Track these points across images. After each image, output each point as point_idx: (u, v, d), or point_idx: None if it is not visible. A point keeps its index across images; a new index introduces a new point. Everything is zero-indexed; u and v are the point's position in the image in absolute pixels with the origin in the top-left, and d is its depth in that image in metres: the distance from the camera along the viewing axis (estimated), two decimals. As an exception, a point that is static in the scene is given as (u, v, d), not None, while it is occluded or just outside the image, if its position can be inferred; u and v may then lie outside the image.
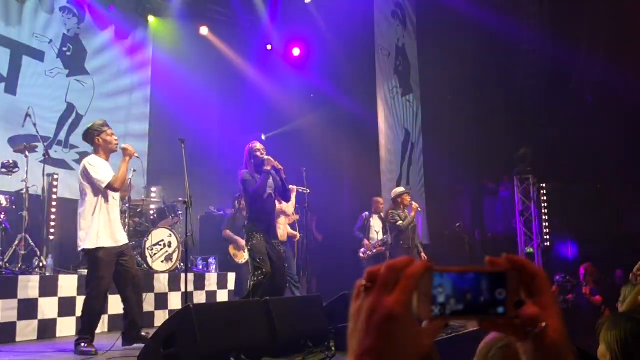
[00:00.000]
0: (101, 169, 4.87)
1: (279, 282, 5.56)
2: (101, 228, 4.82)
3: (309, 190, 7.45)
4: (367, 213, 8.65)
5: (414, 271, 0.61)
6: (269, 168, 5.53)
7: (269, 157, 5.57)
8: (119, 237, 4.99)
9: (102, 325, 6.05)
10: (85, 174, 4.86)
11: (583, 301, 7.41)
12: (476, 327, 0.66)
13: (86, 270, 6.37)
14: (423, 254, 7.80)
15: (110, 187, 4.85)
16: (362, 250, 8.34)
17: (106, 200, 4.90)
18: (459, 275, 0.62)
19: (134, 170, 7.58)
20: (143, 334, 4.92)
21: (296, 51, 11.82)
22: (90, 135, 5.09)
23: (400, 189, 8.20)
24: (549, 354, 0.62)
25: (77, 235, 4.95)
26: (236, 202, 9.00)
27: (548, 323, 0.61)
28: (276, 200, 7.11)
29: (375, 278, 0.62)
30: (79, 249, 4.94)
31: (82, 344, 4.64)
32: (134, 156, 5.08)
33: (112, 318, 6.22)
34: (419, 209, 7.99)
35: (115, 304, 6.28)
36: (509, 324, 0.62)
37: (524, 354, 0.64)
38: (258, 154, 5.61)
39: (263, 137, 10.87)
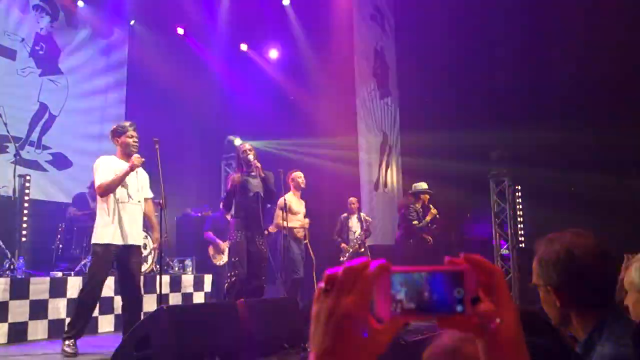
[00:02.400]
0: (103, 171, 4.85)
1: (258, 282, 5.54)
2: (106, 224, 4.81)
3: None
4: (345, 215, 8.62)
5: (370, 273, 0.63)
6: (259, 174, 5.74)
7: (254, 161, 5.72)
8: (126, 236, 4.90)
9: (109, 325, 6.02)
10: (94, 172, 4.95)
11: None
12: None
13: (59, 273, 6.32)
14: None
15: (97, 189, 4.85)
16: (342, 253, 8.31)
17: (115, 198, 4.87)
18: (417, 275, 0.63)
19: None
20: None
21: (273, 53, 11.82)
22: (113, 135, 5.11)
23: (423, 185, 8.26)
24: (504, 349, 0.64)
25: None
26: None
27: (503, 319, 0.63)
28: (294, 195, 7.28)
29: (334, 281, 0.64)
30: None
31: (65, 343, 4.63)
32: (135, 170, 5.00)
33: (118, 317, 6.14)
34: (437, 215, 8.04)
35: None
36: (467, 321, 0.63)
37: (482, 350, 0.65)
38: (243, 154, 5.80)
39: (231, 138, 10.82)
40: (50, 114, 8.62)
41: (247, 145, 5.83)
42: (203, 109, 10.95)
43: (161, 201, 5.39)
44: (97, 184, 4.85)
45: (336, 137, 11.11)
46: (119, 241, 4.84)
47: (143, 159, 5.04)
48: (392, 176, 12.69)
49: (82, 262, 6.71)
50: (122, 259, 4.91)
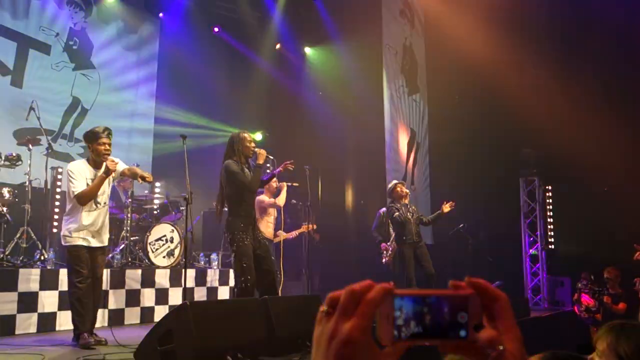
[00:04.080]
0: (78, 179, 4.86)
1: (271, 279, 5.26)
2: (76, 230, 4.86)
3: (297, 184, 7.37)
4: (383, 210, 8.32)
5: (373, 296, 0.61)
6: (262, 162, 5.28)
7: (262, 151, 5.30)
8: (95, 241, 4.99)
9: (103, 320, 6.07)
10: (67, 179, 4.94)
11: (606, 310, 7.01)
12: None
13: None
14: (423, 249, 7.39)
15: (76, 198, 4.84)
16: (384, 254, 8.05)
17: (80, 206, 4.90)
18: (421, 299, 0.62)
19: (138, 165, 7.60)
20: (94, 338, 4.87)
21: (308, 50, 11.82)
22: (85, 139, 5.09)
23: (393, 182, 7.96)
24: None
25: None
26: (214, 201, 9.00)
27: (506, 347, 0.61)
28: (266, 196, 7.07)
29: (336, 303, 0.62)
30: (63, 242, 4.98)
31: (81, 337, 4.73)
32: (111, 174, 5.02)
33: (112, 313, 6.24)
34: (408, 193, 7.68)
35: (116, 299, 6.32)
36: (469, 347, 0.62)
37: None
38: (247, 144, 5.28)
39: (259, 137, 10.83)
40: (82, 107, 8.77)
41: (248, 136, 5.37)
42: (233, 103, 11.00)
43: (187, 196, 5.44)
44: (74, 192, 4.83)
45: (364, 132, 11.07)
46: (88, 244, 4.92)
47: (117, 162, 5.02)
48: (420, 173, 12.59)
49: (110, 255, 6.82)
50: (91, 259, 4.96)
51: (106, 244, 5.23)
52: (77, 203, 4.86)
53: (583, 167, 9.81)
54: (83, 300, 4.81)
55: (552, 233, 10.38)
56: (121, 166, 5.16)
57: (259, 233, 5.35)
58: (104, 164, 4.94)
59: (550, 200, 10.39)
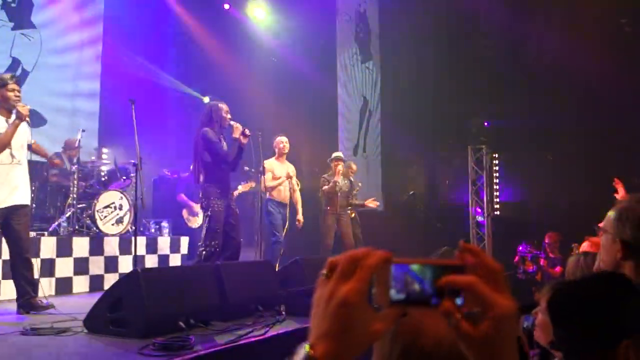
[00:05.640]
0: None
1: (237, 244, 5.50)
2: None
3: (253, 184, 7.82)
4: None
5: (371, 262, 0.65)
6: (236, 136, 5.39)
7: (237, 124, 5.43)
8: (9, 198, 4.59)
9: (50, 289, 5.94)
10: None
11: (543, 273, 7.47)
12: None
13: (33, 233, 6.23)
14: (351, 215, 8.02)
15: None
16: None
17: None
18: (418, 267, 0.64)
19: (84, 130, 7.37)
20: (38, 301, 4.70)
21: (258, 13, 11.55)
22: None
23: (337, 154, 8.25)
24: (486, 347, 0.64)
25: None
26: (191, 166, 8.87)
27: (497, 316, 0.64)
28: (276, 160, 7.28)
29: (335, 268, 0.66)
30: None
31: None
32: (25, 120, 4.63)
33: (59, 281, 6.11)
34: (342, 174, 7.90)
35: (63, 267, 6.17)
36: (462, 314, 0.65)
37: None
38: (224, 114, 5.46)
39: (206, 100, 10.67)
40: (23, 69, 8.37)
41: (225, 107, 5.55)
42: (183, 69, 10.74)
43: (136, 162, 5.32)
44: None
45: (316, 101, 11.03)
46: (4, 203, 4.57)
47: (29, 107, 4.68)
48: (371, 140, 12.69)
49: (56, 222, 6.64)
50: (7, 220, 4.62)
51: (28, 202, 4.86)
52: None
53: (529, 135, 10.11)
54: None
55: (497, 200, 10.71)
56: (28, 133, 4.84)
57: (233, 202, 5.54)
58: (16, 111, 4.59)
59: (497, 168, 10.69)
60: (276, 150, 7.45)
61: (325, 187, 7.85)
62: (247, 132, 5.49)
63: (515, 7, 10.50)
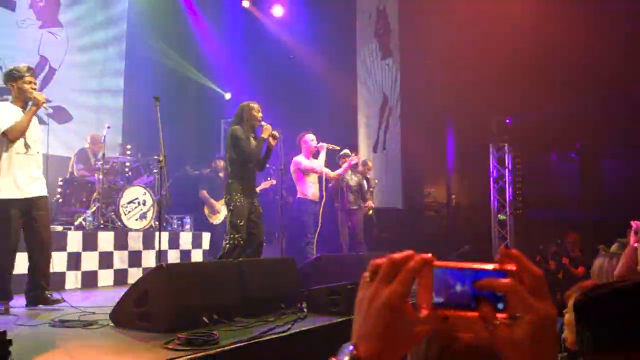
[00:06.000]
0: (2, 116, 4.54)
1: (259, 242, 5.55)
2: (8, 180, 4.55)
3: (338, 147, 7.49)
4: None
5: (412, 265, 0.66)
6: (266, 136, 5.50)
7: (267, 125, 5.53)
8: (28, 189, 4.65)
9: (76, 282, 6.05)
10: None
11: (565, 271, 7.34)
12: None
13: (60, 227, 6.36)
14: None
15: (4, 134, 4.51)
16: None
17: (10, 148, 4.57)
18: (459, 271, 0.66)
19: (109, 127, 7.49)
20: (48, 295, 4.69)
21: (277, 10, 11.60)
22: (8, 79, 4.74)
23: (345, 151, 8.02)
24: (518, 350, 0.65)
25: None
26: (213, 163, 8.97)
27: (537, 321, 0.64)
28: (306, 158, 7.08)
29: (378, 270, 0.68)
30: None
31: None
32: (42, 107, 4.69)
33: (85, 275, 6.23)
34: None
35: (89, 261, 6.29)
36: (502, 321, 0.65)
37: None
38: (255, 113, 5.54)
39: (227, 97, 10.77)
40: (50, 67, 8.53)
41: (257, 106, 5.63)
42: (204, 66, 10.84)
43: (160, 159, 5.40)
44: (2, 127, 4.50)
45: (336, 98, 11.04)
46: (18, 195, 4.59)
47: (45, 96, 4.75)
48: (391, 138, 12.66)
49: (82, 217, 6.77)
50: (29, 211, 4.65)
51: (47, 193, 4.89)
52: (7, 138, 4.53)
53: (552, 133, 10.00)
54: None
55: (521, 199, 10.61)
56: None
57: (256, 199, 5.58)
58: (32, 98, 4.64)
59: (520, 167, 10.59)
60: (303, 147, 7.25)
61: (330, 184, 7.73)
62: (277, 134, 5.58)
63: (539, 1, 10.38)
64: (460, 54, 10.99)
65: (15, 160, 4.60)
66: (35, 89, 4.74)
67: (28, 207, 4.65)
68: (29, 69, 4.76)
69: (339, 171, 7.62)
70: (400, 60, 13.08)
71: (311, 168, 7.07)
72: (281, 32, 11.44)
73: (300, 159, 7.09)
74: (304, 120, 9.87)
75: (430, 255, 0.67)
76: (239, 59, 10.98)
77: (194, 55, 10.63)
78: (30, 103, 4.72)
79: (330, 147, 7.27)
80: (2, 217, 4.55)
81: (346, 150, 8.19)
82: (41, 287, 4.70)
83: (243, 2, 11.27)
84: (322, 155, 7.16)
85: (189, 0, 10.60)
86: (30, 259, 4.75)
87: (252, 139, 5.51)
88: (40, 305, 4.65)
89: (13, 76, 4.69)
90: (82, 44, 9.08)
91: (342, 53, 11.32)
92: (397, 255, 0.67)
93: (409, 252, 0.68)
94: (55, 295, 4.75)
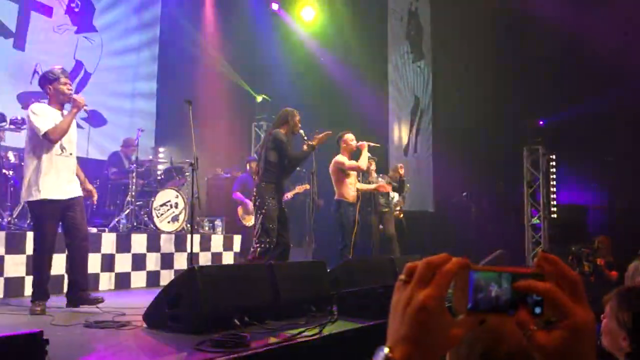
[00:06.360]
0: (43, 117, 4.55)
1: (286, 245, 5.62)
2: (45, 179, 4.57)
3: (379, 145, 7.50)
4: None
5: (449, 268, 0.66)
6: (316, 144, 5.62)
7: (320, 135, 5.64)
8: (67, 189, 4.69)
9: (110, 283, 6.14)
10: (28, 121, 4.63)
11: (598, 274, 7.15)
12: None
13: (94, 229, 6.46)
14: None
15: (46, 136, 4.52)
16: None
17: (50, 149, 4.61)
18: (497, 275, 0.65)
19: (142, 130, 7.61)
20: (91, 296, 4.70)
21: (307, 13, 11.62)
22: (44, 82, 4.76)
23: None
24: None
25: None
26: (247, 164, 9.02)
27: (578, 327, 0.64)
28: (347, 158, 6.99)
29: (413, 273, 0.67)
30: (22, 200, 4.64)
31: (35, 303, 4.54)
32: (83, 108, 4.73)
33: (118, 276, 6.31)
34: None
35: (123, 263, 6.38)
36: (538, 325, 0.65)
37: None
38: (298, 122, 5.66)
39: (259, 99, 10.82)
40: (85, 71, 8.70)
41: (298, 116, 5.72)
42: (235, 69, 10.92)
43: (192, 161, 5.45)
44: (44, 129, 4.49)
45: (367, 100, 11.00)
46: (58, 196, 4.62)
47: (84, 99, 4.75)
48: (423, 141, 12.56)
49: (116, 219, 6.88)
50: (67, 212, 4.68)
51: (82, 194, 4.91)
52: (49, 140, 4.55)
53: (588, 136, 9.79)
54: None
55: (555, 203, 10.41)
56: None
57: (282, 202, 5.64)
58: (72, 100, 4.68)
59: (554, 170, 10.39)
60: (343, 146, 7.03)
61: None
62: (312, 144, 5.64)
63: (572, 2, 10.19)
64: (493, 54, 10.84)
65: (54, 162, 4.65)
66: (70, 89, 4.80)
67: (66, 208, 4.70)
68: (63, 70, 4.81)
69: (369, 187, 7.51)
70: (432, 62, 12.98)
71: (356, 166, 6.88)
72: (312, 34, 11.46)
73: (343, 159, 6.89)
74: (334, 122, 9.86)
75: (466, 258, 0.66)
76: (270, 61, 11.04)
77: (225, 58, 10.71)
78: (67, 105, 4.79)
79: (372, 145, 7.20)
80: (41, 217, 4.61)
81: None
82: (80, 286, 4.73)
83: (272, 4, 11.32)
84: (365, 154, 6.95)
85: (218, 3, 10.70)
86: (68, 259, 4.81)
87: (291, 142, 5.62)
88: (81, 305, 4.67)
89: (48, 79, 4.74)
90: (116, 48, 9.24)
91: (374, 55, 11.28)
92: (434, 258, 0.67)
93: (444, 255, 0.67)
94: (94, 295, 4.79)
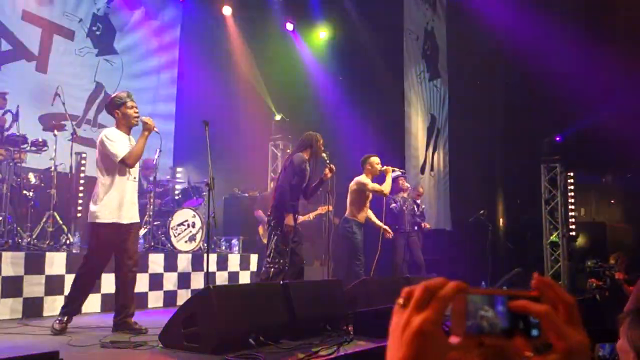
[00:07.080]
0: (117, 143, 4.63)
1: (301, 264, 5.66)
2: (112, 204, 4.63)
3: (403, 171, 7.58)
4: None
5: (445, 292, 0.66)
6: (329, 176, 5.77)
7: (332, 167, 5.74)
8: (129, 215, 4.76)
9: (159, 301, 6.16)
10: (102, 147, 4.64)
11: (616, 288, 7.08)
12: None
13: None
14: None
15: (123, 161, 4.60)
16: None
17: (121, 175, 4.69)
18: (493, 297, 0.65)
19: (160, 151, 7.68)
20: (136, 325, 4.64)
21: (322, 34, 11.75)
22: (111, 107, 4.85)
23: (397, 172, 7.78)
24: None
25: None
26: (272, 182, 9.08)
27: (573, 350, 0.63)
28: (369, 179, 6.96)
29: (411, 297, 0.68)
30: (89, 220, 4.70)
31: (55, 321, 4.59)
32: (154, 131, 4.80)
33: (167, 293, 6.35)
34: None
35: (139, 283, 6.42)
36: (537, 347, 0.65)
37: None
38: (322, 147, 5.76)
39: (277, 117, 10.90)
40: (105, 93, 8.87)
41: (322, 141, 5.79)
42: (253, 90, 11.04)
43: (209, 181, 5.50)
44: (120, 154, 4.57)
45: (383, 119, 11.03)
46: (121, 220, 4.67)
47: (153, 120, 4.81)
48: (439, 159, 12.53)
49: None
50: (126, 236, 4.72)
51: (138, 219, 4.96)
52: (125, 165, 4.63)
53: (607, 153, 9.70)
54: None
55: (573, 220, 10.29)
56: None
57: (298, 222, 5.68)
58: (141, 124, 4.75)
59: (572, 187, 10.29)
60: (367, 169, 6.98)
61: (393, 205, 7.88)
62: (333, 168, 5.75)
63: (588, 21, 10.18)
64: (510, 71, 10.84)
65: (122, 186, 4.71)
66: (138, 113, 4.84)
67: (125, 233, 4.73)
68: (129, 94, 4.87)
69: (376, 222, 7.42)
70: (448, 80, 13.01)
71: (379, 190, 6.83)
72: (328, 53, 11.56)
73: (367, 180, 6.84)
74: (350, 140, 9.90)
75: (463, 282, 0.66)
76: (285, 80, 11.15)
77: (242, 79, 10.84)
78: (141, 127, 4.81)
79: (397, 171, 7.23)
80: (101, 239, 4.64)
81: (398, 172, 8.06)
82: (130, 310, 4.73)
83: (287, 24, 11.46)
84: (389, 179, 6.90)
85: (237, 25, 10.86)
86: (123, 284, 4.76)
87: (308, 168, 5.68)
88: (127, 330, 4.60)
89: (116, 104, 4.80)
90: (136, 70, 9.41)
91: (390, 74, 11.33)
92: (431, 282, 0.67)
93: (441, 279, 0.67)
94: (140, 325, 4.69)
